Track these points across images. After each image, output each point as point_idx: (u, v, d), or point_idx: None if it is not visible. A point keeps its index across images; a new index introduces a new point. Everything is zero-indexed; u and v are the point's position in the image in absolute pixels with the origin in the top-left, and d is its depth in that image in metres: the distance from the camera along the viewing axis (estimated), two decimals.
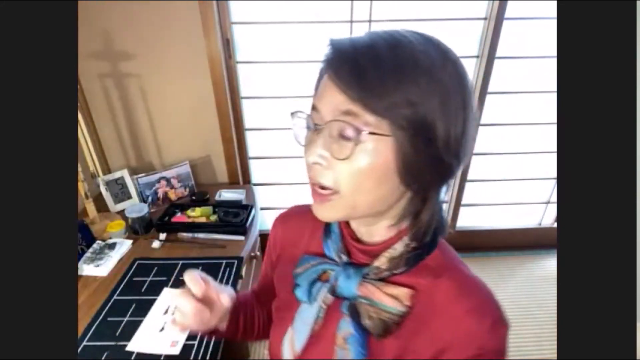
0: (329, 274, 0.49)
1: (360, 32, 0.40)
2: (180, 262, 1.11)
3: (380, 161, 0.38)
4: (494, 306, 0.44)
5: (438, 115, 0.37)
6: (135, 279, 1.05)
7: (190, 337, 0.86)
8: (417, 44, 0.38)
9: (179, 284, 1.02)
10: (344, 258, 0.48)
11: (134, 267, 1.09)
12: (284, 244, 0.60)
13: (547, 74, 1.64)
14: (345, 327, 0.46)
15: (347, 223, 0.51)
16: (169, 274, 1.06)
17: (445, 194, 0.45)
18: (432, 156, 0.38)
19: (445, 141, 0.38)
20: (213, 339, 0.85)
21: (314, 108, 0.41)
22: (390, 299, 0.44)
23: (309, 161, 0.41)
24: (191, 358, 0.81)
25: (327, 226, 0.53)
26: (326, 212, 0.43)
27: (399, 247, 0.45)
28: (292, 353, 0.51)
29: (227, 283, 1.03)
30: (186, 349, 0.83)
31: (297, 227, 0.59)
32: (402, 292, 0.44)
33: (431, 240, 0.46)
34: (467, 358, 0.42)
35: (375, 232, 0.47)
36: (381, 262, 0.45)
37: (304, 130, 0.44)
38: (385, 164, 0.38)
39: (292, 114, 0.45)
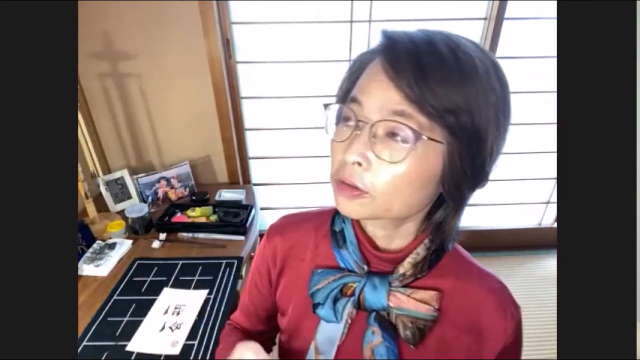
0: (352, 287, 0.46)
1: (413, 28, 0.37)
2: (180, 262, 1.11)
3: (427, 167, 0.36)
4: (509, 295, 0.46)
5: (491, 125, 0.36)
6: (135, 279, 1.05)
7: (191, 336, 0.86)
8: (472, 48, 0.36)
9: (179, 284, 1.02)
10: (366, 268, 0.46)
11: (134, 267, 1.09)
12: (286, 257, 0.55)
13: (547, 74, 1.64)
14: (372, 338, 0.44)
15: (362, 229, 0.47)
16: (169, 274, 1.06)
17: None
18: (477, 166, 0.37)
19: (490, 152, 0.37)
20: (213, 340, 0.85)
21: (354, 100, 0.38)
22: (422, 306, 0.43)
23: (349, 160, 0.37)
24: (191, 358, 0.81)
25: (337, 235, 0.49)
26: (354, 208, 0.39)
27: (421, 252, 0.44)
28: None
29: (227, 283, 1.03)
30: (186, 349, 0.83)
31: (297, 238, 0.54)
32: (430, 295, 0.44)
33: (446, 237, 0.46)
34: (498, 351, 0.44)
35: (396, 236, 0.45)
36: (405, 268, 0.44)
37: (333, 124, 0.41)
38: (432, 171, 0.36)
39: (326, 105, 0.41)
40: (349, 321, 0.46)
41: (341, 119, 0.40)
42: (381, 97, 0.35)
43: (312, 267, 0.50)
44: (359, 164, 0.37)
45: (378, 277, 0.45)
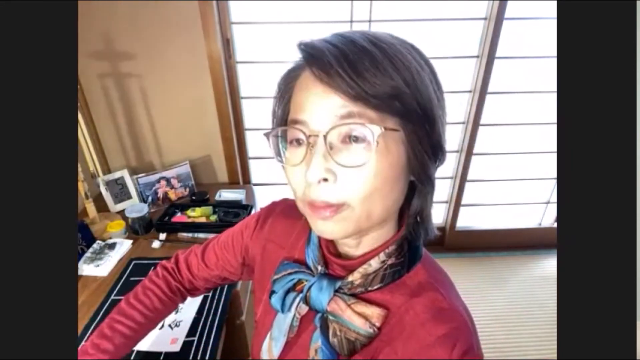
0: (303, 283, 0.46)
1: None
2: None
3: (394, 159, 0.36)
4: (468, 334, 0.39)
5: (434, 101, 0.37)
6: (132, 278, 1.05)
7: (191, 333, 0.86)
8: (388, 37, 0.37)
9: None
10: (321, 269, 0.46)
11: (131, 267, 1.09)
12: (273, 238, 0.56)
13: (547, 74, 1.65)
14: (318, 339, 0.43)
15: None
16: None
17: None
18: (434, 143, 0.38)
19: (440, 126, 0.38)
20: (212, 336, 0.85)
21: (297, 119, 0.37)
22: (359, 319, 0.41)
23: (314, 179, 0.35)
24: (191, 355, 0.81)
25: (311, 233, 0.49)
26: (336, 227, 0.38)
27: (374, 264, 0.42)
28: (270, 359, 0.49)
29: None
30: (186, 345, 0.83)
31: (287, 225, 0.55)
32: (374, 312, 0.41)
33: (412, 256, 0.43)
34: None
35: (366, 242, 0.44)
36: (355, 277, 0.43)
37: (281, 151, 0.40)
38: (398, 161, 0.36)
39: (267, 135, 0.40)
40: (298, 316, 0.46)
41: (287, 142, 0.39)
42: (324, 106, 0.35)
43: (284, 256, 0.52)
44: (325, 180, 0.35)
45: (328, 280, 0.44)
